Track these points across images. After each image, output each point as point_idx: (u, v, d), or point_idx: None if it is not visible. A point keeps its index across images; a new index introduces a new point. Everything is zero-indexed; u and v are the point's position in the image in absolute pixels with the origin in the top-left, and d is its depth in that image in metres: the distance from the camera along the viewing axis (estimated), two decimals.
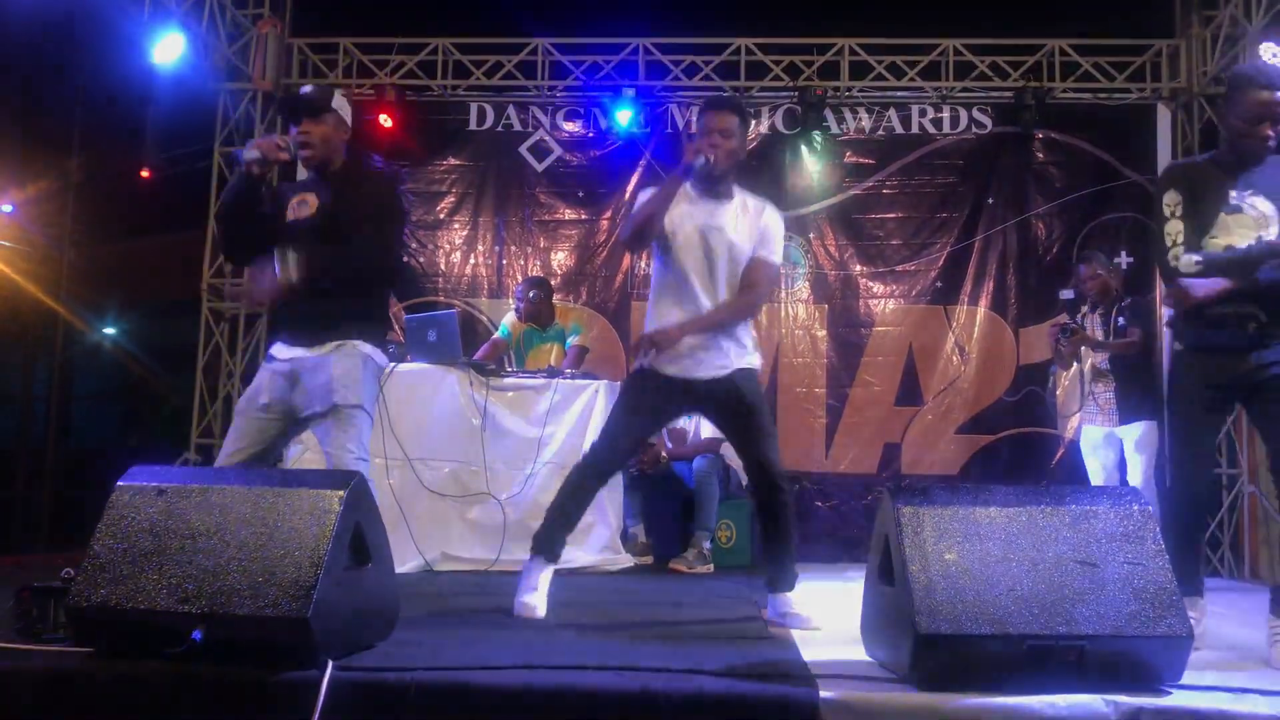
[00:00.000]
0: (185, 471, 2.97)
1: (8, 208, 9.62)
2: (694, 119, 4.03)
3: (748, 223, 3.91)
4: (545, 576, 3.89)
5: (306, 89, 3.85)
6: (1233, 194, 3.46)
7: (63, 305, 9.49)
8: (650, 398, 3.90)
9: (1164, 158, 7.53)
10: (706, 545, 6.03)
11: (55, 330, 9.69)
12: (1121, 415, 5.90)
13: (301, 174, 4.20)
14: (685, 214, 3.87)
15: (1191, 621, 3.00)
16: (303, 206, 3.68)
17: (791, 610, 3.78)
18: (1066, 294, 6.19)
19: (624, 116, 7.66)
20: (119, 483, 2.89)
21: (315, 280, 3.55)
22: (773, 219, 3.96)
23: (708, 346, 3.84)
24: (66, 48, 8.94)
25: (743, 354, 3.89)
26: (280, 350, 3.68)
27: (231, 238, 3.78)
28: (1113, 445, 5.98)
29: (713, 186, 3.91)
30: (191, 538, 2.73)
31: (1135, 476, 5.83)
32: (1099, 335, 5.98)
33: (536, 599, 3.79)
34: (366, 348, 3.67)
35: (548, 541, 3.94)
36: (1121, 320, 5.94)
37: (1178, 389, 3.60)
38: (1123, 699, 2.45)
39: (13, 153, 9.37)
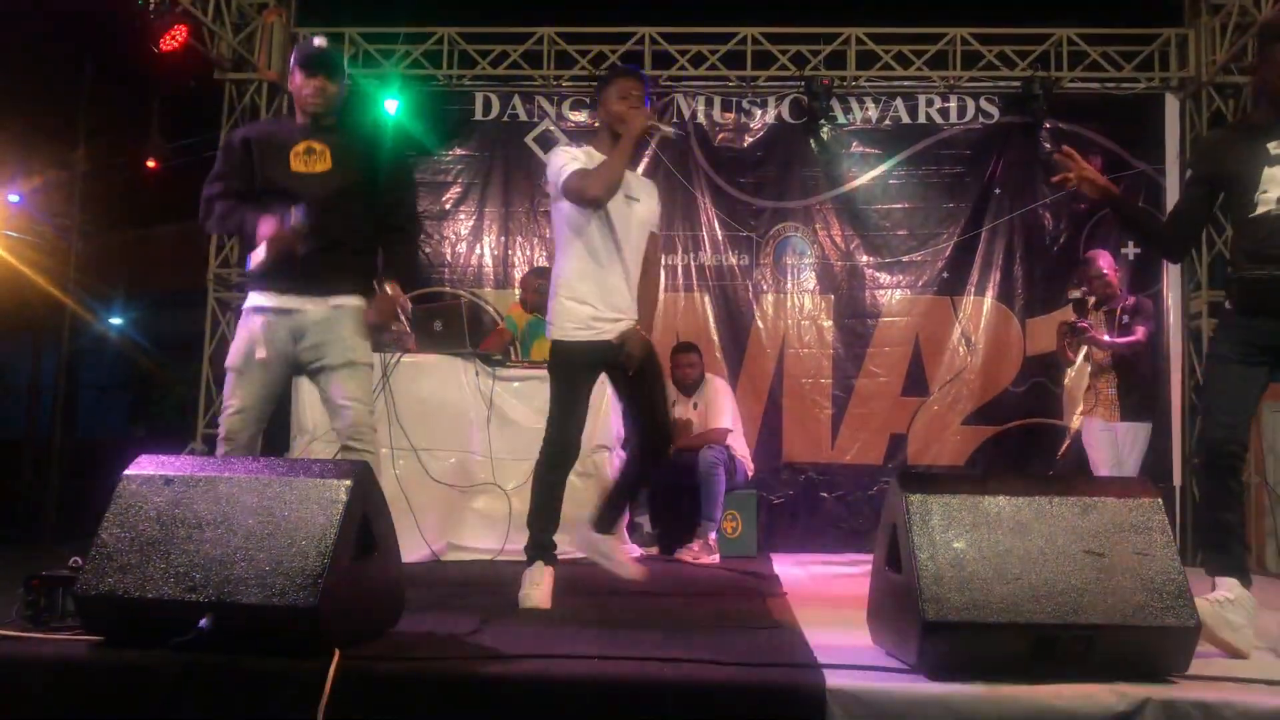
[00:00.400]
0: (192, 461, 2.97)
1: (15, 198, 9.63)
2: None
3: (648, 196, 4.09)
4: (548, 574, 3.90)
5: (323, 44, 3.97)
6: (1272, 146, 3.31)
7: (70, 295, 9.49)
8: (581, 369, 3.96)
9: (1172, 147, 7.51)
10: (713, 535, 6.04)
11: (62, 320, 9.70)
12: (1122, 413, 5.98)
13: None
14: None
15: (1223, 601, 2.98)
16: (313, 157, 3.72)
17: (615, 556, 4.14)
18: (1075, 293, 6.23)
19: None
20: (126, 472, 2.90)
21: (334, 236, 3.70)
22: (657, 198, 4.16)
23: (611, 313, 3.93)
24: (73, 37, 8.93)
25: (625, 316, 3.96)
26: (271, 299, 3.69)
27: (228, 235, 3.81)
28: (1115, 438, 6.01)
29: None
30: (198, 527, 2.73)
31: (1124, 472, 5.85)
32: (1104, 332, 5.99)
33: (542, 594, 3.80)
34: (363, 306, 3.79)
35: (543, 546, 3.97)
36: (1126, 318, 5.96)
37: (1219, 345, 3.43)
38: (1130, 689, 2.45)
39: (20, 143, 9.37)
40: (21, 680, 2.57)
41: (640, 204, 3.98)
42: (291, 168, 3.73)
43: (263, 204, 3.70)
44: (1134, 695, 2.43)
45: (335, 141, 3.79)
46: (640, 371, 3.94)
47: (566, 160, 3.88)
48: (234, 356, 3.70)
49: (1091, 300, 6.13)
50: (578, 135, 7.89)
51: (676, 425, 6.38)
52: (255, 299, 3.73)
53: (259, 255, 3.64)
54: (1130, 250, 7.49)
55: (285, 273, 3.66)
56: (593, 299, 3.88)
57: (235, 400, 3.69)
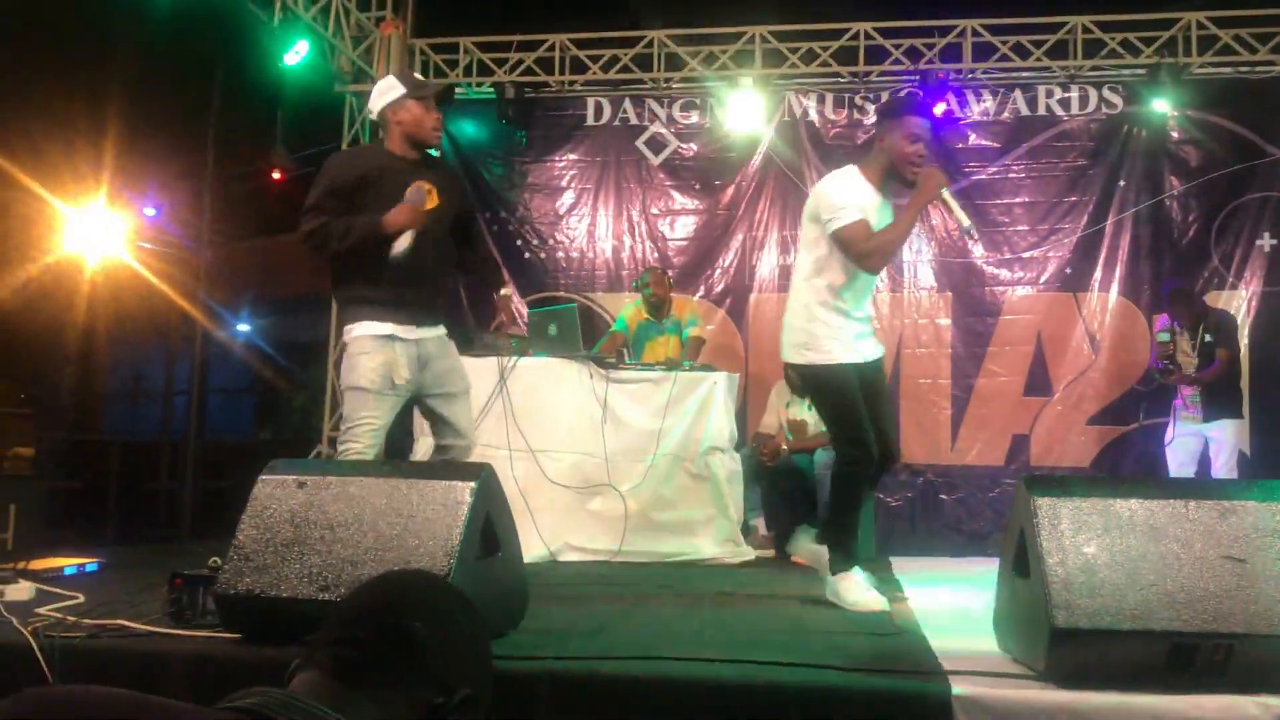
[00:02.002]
0: (323, 464, 3.07)
1: (151, 211, 10.06)
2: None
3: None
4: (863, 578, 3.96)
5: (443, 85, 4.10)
6: None
7: (200, 304, 9.88)
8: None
9: None
10: None
11: (194, 328, 10.10)
12: (1206, 414, 6.30)
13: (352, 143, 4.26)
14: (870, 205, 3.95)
15: None
16: (420, 194, 3.82)
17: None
18: (1164, 336, 6.36)
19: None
20: (261, 476, 3.01)
21: (445, 269, 4.02)
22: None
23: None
24: (200, 54, 9.29)
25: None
26: (399, 329, 3.82)
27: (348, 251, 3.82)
28: (1196, 440, 6.36)
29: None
30: (330, 528, 2.82)
31: (1218, 471, 6.24)
32: (1190, 353, 6.36)
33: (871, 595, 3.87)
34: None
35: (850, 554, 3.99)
36: (1209, 337, 6.31)
37: None
38: (1275, 701, 2.35)
39: (155, 157, 9.79)
40: (165, 675, 2.69)
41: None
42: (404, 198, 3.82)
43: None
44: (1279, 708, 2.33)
45: (435, 176, 3.95)
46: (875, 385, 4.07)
47: (846, 204, 3.86)
48: (372, 378, 3.77)
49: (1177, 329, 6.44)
50: (688, 137, 7.91)
51: (791, 426, 6.35)
52: (381, 327, 3.80)
53: (402, 243, 3.73)
54: (1266, 241, 7.17)
55: (408, 303, 3.83)
56: (855, 317, 4.01)
57: (376, 419, 3.80)
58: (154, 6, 6.92)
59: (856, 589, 3.86)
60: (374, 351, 3.79)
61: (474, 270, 4.51)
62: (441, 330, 4.02)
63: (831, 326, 3.93)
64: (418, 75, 4.07)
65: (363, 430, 3.78)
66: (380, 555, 2.71)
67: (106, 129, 9.23)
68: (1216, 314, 6.50)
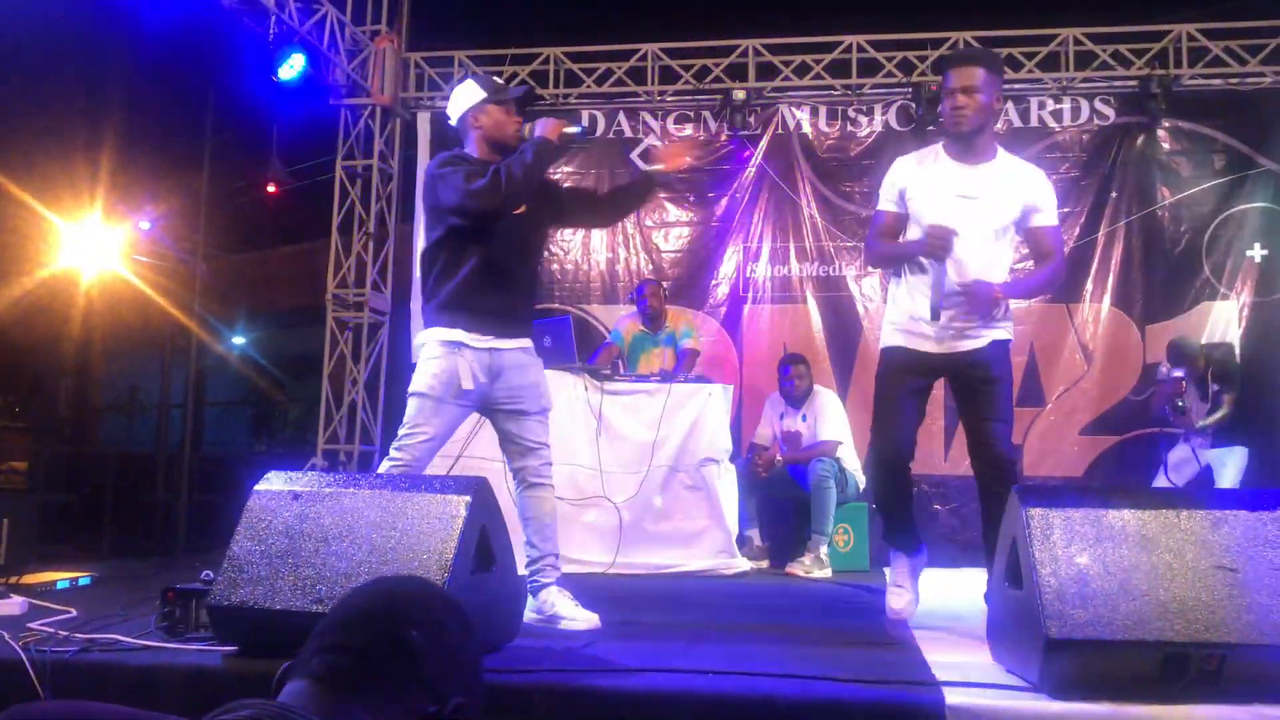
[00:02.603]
0: (317, 477, 3.07)
1: (146, 224, 10.07)
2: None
3: (1011, 189, 3.65)
4: (904, 571, 3.84)
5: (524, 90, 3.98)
6: None
7: (195, 317, 9.88)
8: (907, 373, 3.76)
9: None
10: (824, 549, 5.98)
11: (189, 341, 10.10)
12: (1214, 440, 6.35)
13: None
14: (937, 182, 3.66)
15: None
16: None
17: None
18: (1164, 372, 6.45)
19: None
20: (255, 488, 3.01)
21: (529, 278, 3.90)
22: (1042, 178, 3.74)
23: (967, 320, 3.64)
24: (196, 69, 9.31)
25: (1003, 325, 3.69)
26: (470, 337, 3.63)
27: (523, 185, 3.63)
28: (1192, 464, 6.39)
29: (969, 150, 3.66)
30: (324, 540, 2.82)
31: None
32: (1197, 402, 6.40)
33: (901, 599, 3.78)
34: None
35: (896, 536, 3.87)
36: (1215, 386, 6.36)
37: None
38: (1268, 710, 2.36)
39: (149, 171, 9.81)
40: (159, 689, 2.69)
41: (984, 200, 3.64)
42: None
43: (478, 244, 3.67)
44: (1272, 717, 2.34)
45: None
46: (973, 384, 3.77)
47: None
48: (432, 385, 3.60)
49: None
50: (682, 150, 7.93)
51: (785, 438, 6.36)
52: (450, 333, 3.64)
53: (574, 127, 3.75)
54: (1257, 253, 7.21)
55: (485, 309, 3.66)
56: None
57: (429, 428, 3.61)
58: (149, 22, 6.94)
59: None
60: (441, 357, 3.62)
61: (622, 203, 4.30)
62: (525, 343, 3.78)
63: None
64: (497, 79, 3.94)
65: (415, 440, 3.59)
66: (374, 568, 2.71)
67: (102, 143, 9.26)
68: (1219, 359, 6.49)
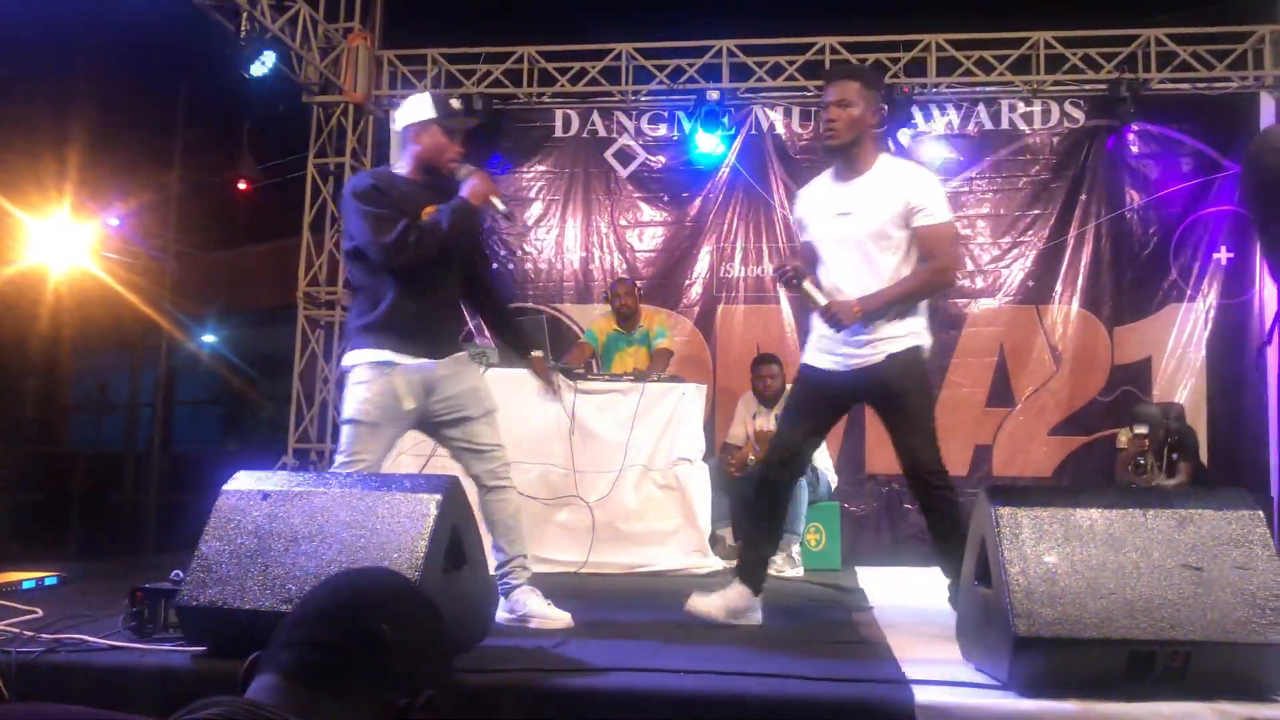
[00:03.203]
0: (287, 476, 3.05)
1: (114, 221, 9.97)
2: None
3: (885, 197, 3.63)
4: (733, 592, 3.78)
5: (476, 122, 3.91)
6: None
7: (166, 315, 9.81)
8: (813, 392, 3.76)
9: None
10: (796, 548, 5.99)
11: (160, 339, 10.03)
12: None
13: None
14: (817, 206, 3.74)
15: None
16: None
17: None
18: (1141, 428, 6.42)
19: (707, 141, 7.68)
20: (224, 487, 2.99)
21: (452, 295, 3.80)
22: (920, 178, 3.72)
23: (869, 334, 3.61)
24: (166, 65, 9.24)
25: (894, 337, 3.62)
26: (401, 359, 3.58)
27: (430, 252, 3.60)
28: None
29: (845, 165, 3.70)
30: (294, 540, 2.81)
31: None
32: (1159, 472, 6.45)
33: (705, 598, 3.75)
34: (468, 355, 3.86)
35: (743, 568, 3.85)
36: (1175, 455, 6.42)
37: None
38: (1231, 707, 2.39)
39: (119, 168, 9.71)
40: (127, 690, 2.67)
41: (861, 213, 3.65)
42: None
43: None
44: (1236, 714, 2.37)
45: (445, 199, 3.72)
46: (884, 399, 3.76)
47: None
48: (368, 410, 3.54)
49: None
50: (656, 149, 7.94)
51: (759, 437, 6.38)
52: (379, 354, 3.58)
53: (501, 205, 3.71)
54: (1223, 255, 7.29)
55: (416, 331, 3.61)
56: None
57: (368, 454, 3.56)
58: (119, 17, 6.88)
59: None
60: (370, 381, 3.55)
61: (501, 330, 4.34)
62: (457, 353, 3.75)
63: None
64: (455, 103, 3.86)
65: (357, 466, 3.52)
66: (344, 567, 2.69)
67: (71, 139, 9.16)
68: (1177, 429, 6.54)
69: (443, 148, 3.69)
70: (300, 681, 1.27)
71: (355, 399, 3.56)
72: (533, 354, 4.11)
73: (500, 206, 3.69)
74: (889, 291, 3.58)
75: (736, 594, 3.74)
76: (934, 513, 3.60)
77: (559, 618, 3.56)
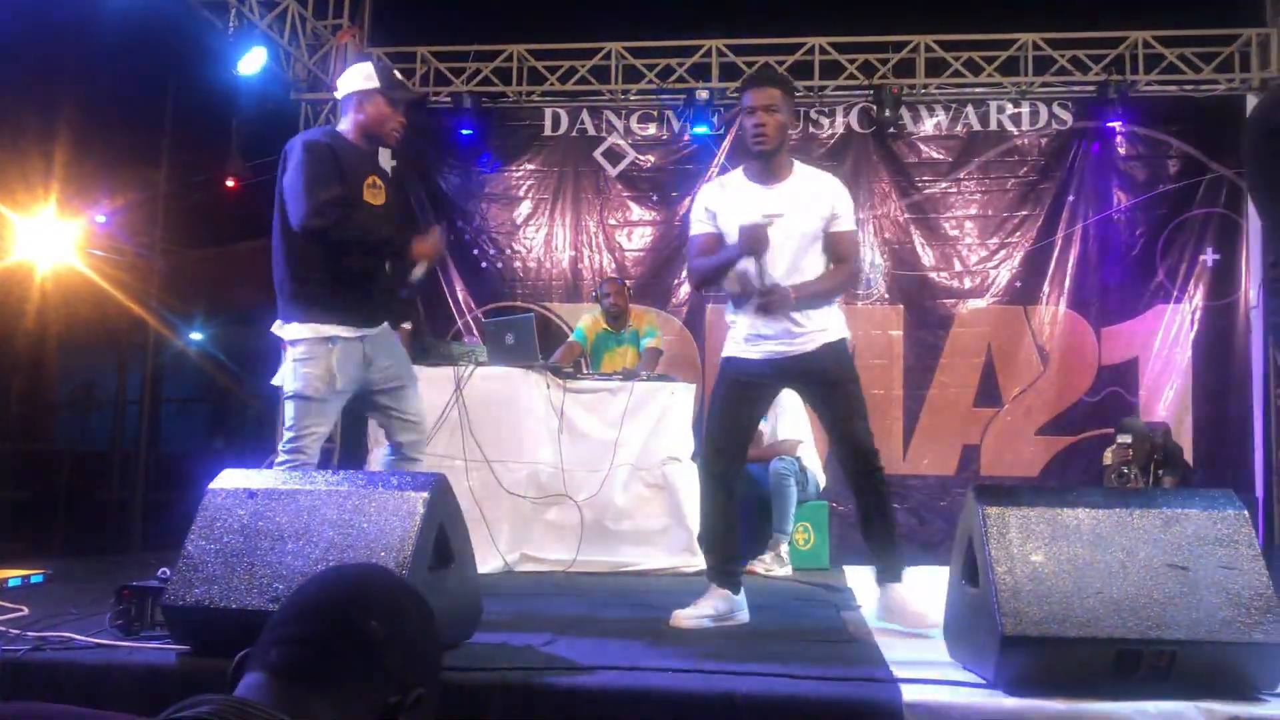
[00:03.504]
0: (274, 474, 3.04)
1: (101, 218, 9.92)
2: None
3: (811, 200, 3.77)
4: (712, 598, 3.76)
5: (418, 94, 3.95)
6: None
7: (153, 312, 9.75)
8: (744, 383, 3.84)
9: None
10: (784, 548, 6.00)
11: (146, 336, 9.97)
12: None
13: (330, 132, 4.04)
14: (741, 206, 3.77)
15: None
16: (374, 191, 3.77)
17: (903, 607, 3.68)
18: (1125, 438, 6.44)
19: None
20: (210, 486, 2.98)
21: (390, 263, 3.82)
22: (840, 187, 3.86)
23: (802, 325, 3.75)
24: (154, 61, 9.19)
25: (825, 328, 3.78)
26: (343, 330, 3.67)
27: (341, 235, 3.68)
28: None
29: (769, 169, 3.79)
30: (281, 539, 2.80)
31: None
32: (1144, 485, 6.45)
33: (685, 611, 3.70)
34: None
35: (715, 570, 3.83)
36: (1162, 472, 6.46)
37: None
38: (1216, 706, 2.40)
39: (105, 164, 9.66)
40: (112, 688, 2.65)
41: (787, 217, 3.73)
42: (364, 197, 3.75)
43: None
44: (1221, 713, 2.38)
45: (382, 175, 3.88)
46: (820, 385, 3.89)
47: None
48: (316, 386, 3.65)
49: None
50: (646, 149, 7.95)
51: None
52: (323, 329, 3.66)
53: (419, 271, 3.79)
54: (1209, 256, 7.33)
55: (357, 303, 3.72)
56: None
57: (320, 427, 3.70)
58: (107, 13, 6.84)
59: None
60: (317, 357, 3.65)
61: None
62: (385, 325, 3.86)
63: None
64: (397, 74, 3.95)
65: (310, 440, 3.67)
66: (331, 565, 2.69)
67: (56, 135, 9.11)
68: (1163, 444, 6.59)
69: (385, 117, 3.80)
70: (289, 679, 1.26)
71: (303, 374, 3.67)
72: (403, 324, 4.15)
73: (418, 275, 3.81)
74: (815, 284, 3.74)
75: (719, 598, 3.75)
76: (872, 494, 3.81)
77: None
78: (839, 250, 3.79)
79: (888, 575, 3.80)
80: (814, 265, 3.77)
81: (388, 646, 1.31)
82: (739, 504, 3.92)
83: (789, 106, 3.77)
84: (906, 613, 3.65)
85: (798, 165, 3.88)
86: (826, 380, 3.79)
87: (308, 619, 1.33)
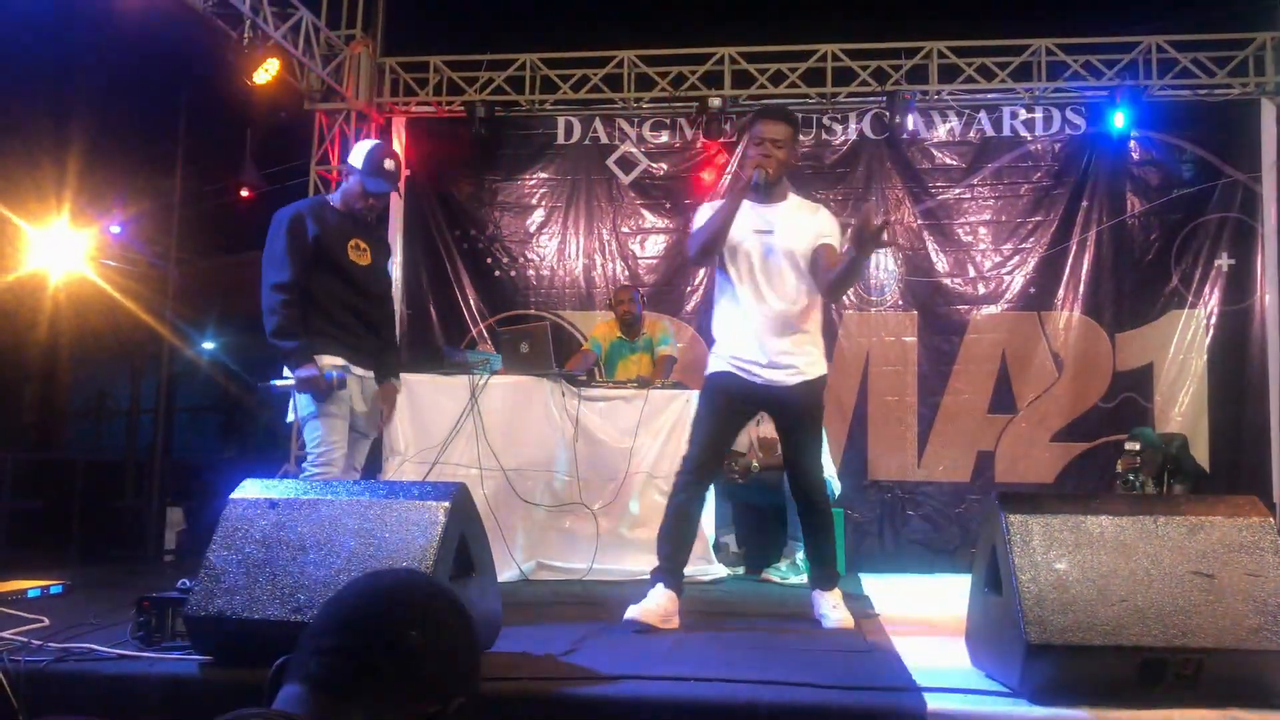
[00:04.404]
0: (295, 484, 3.04)
1: (116, 228, 9.97)
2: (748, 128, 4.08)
3: (802, 224, 3.95)
4: (660, 597, 3.83)
5: (395, 170, 4.25)
6: None
7: (167, 322, 9.79)
8: (728, 399, 3.99)
9: (1269, 154, 7.32)
10: (800, 555, 5.98)
11: (161, 346, 10.01)
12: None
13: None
14: (741, 222, 3.92)
15: None
16: (358, 252, 4.17)
17: (831, 613, 3.90)
18: (1133, 445, 6.40)
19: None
20: (231, 496, 2.98)
21: (375, 321, 4.25)
22: (827, 217, 4.01)
23: (788, 355, 3.90)
24: (168, 72, 9.24)
25: (807, 366, 3.95)
26: (353, 366, 4.11)
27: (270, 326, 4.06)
28: None
29: (766, 193, 3.98)
30: (302, 549, 2.79)
31: None
32: (1153, 488, 6.44)
33: (641, 610, 3.75)
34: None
35: (669, 572, 3.92)
36: (1173, 481, 6.43)
37: None
38: (1244, 714, 2.38)
39: (121, 175, 9.72)
40: (135, 699, 2.65)
41: (782, 238, 3.92)
42: (349, 258, 4.13)
43: (330, 285, 4.09)
44: None
45: (370, 237, 4.30)
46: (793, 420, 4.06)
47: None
48: (337, 403, 4.04)
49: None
50: (658, 156, 7.96)
51: (762, 444, 6.37)
52: (335, 361, 4.04)
53: (291, 383, 4.06)
54: (1224, 261, 7.30)
55: (357, 348, 4.15)
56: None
57: (342, 444, 4.08)
58: (121, 24, 6.88)
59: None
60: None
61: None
62: (373, 379, 4.25)
63: None
64: (389, 161, 4.23)
65: (334, 455, 4.01)
66: (352, 576, 2.68)
67: (71, 147, 9.17)
68: (1175, 454, 6.58)
69: (356, 196, 4.17)
70: (328, 691, 1.25)
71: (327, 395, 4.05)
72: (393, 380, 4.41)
73: (334, 377, 4.03)
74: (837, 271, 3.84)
75: (666, 598, 3.83)
76: (814, 519, 4.08)
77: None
78: (825, 261, 3.89)
79: (821, 585, 4.05)
80: (795, 285, 3.91)
81: (427, 656, 1.30)
82: (699, 511, 4.10)
83: (794, 147, 4.05)
84: (829, 615, 3.90)
85: (792, 195, 4.07)
86: (798, 417, 3.98)
87: (345, 629, 1.32)
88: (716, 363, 4.03)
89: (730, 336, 3.99)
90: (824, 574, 4.06)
